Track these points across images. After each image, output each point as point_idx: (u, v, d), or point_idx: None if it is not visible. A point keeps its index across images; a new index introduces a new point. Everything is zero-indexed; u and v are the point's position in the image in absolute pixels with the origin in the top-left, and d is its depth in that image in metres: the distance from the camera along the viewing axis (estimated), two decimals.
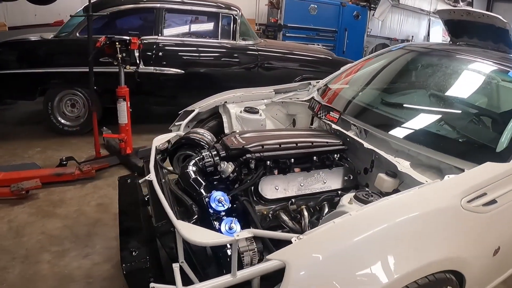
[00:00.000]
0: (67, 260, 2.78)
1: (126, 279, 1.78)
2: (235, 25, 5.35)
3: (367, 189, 2.12)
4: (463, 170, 1.99)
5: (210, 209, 1.97)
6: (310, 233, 1.57)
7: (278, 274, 1.45)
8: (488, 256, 1.90)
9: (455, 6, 13.37)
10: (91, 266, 2.74)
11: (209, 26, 5.48)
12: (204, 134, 2.69)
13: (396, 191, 2.09)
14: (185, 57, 5.16)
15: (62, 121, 4.99)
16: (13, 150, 4.55)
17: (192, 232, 1.63)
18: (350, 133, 2.60)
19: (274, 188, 2.22)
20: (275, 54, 5.69)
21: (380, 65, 3.54)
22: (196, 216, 1.94)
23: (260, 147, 2.28)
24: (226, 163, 2.21)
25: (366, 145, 2.34)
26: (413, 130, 2.45)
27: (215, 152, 2.30)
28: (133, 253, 1.84)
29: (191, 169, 2.20)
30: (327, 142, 2.48)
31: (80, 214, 3.35)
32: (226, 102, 3.26)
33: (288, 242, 1.54)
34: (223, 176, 2.19)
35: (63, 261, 2.77)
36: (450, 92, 2.87)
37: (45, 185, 3.65)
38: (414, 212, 1.66)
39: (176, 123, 3.08)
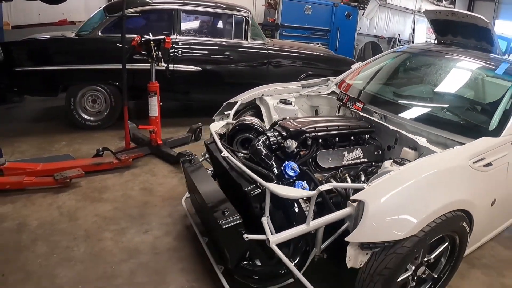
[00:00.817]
0: (128, 236, 3.07)
1: (223, 234, 2.15)
2: (246, 26, 5.72)
3: (401, 157, 2.57)
4: (457, 142, 2.64)
5: (285, 175, 2.38)
6: (375, 182, 2.13)
7: None
8: (487, 206, 2.52)
9: (439, 5, 14.13)
10: (153, 240, 3.05)
11: (223, 26, 5.84)
12: (254, 120, 3.07)
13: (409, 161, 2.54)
14: (202, 56, 5.48)
15: (84, 116, 5.22)
16: (39, 145, 4.75)
17: (280, 190, 2.15)
18: (374, 118, 3.12)
19: (328, 159, 2.70)
20: (283, 52, 6.10)
21: (388, 64, 4.09)
22: (275, 181, 2.33)
23: (313, 128, 2.75)
24: (291, 140, 2.60)
25: (391, 127, 2.90)
26: (424, 115, 3.07)
27: (277, 133, 2.69)
28: (225, 212, 2.20)
29: (261, 146, 2.58)
30: (359, 126, 3.01)
31: (127, 198, 3.64)
32: (263, 95, 3.64)
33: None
34: (288, 151, 2.60)
35: (125, 237, 3.06)
36: (449, 87, 3.50)
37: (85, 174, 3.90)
38: (437, 169, 2.27)
39: (225, 113, 3.42)
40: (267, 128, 3.17)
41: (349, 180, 2.65)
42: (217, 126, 3.08)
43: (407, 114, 3.12)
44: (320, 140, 2.74)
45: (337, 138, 2.81)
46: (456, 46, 3.98)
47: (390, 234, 1.98)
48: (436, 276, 2.47)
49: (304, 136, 2.67)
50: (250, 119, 3.11)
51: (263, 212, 2.22)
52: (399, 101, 3.37)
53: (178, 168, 4.28)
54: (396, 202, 2.06)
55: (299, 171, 2.39)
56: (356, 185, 2.21)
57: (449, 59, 3.65)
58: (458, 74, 3.54)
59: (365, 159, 2.86)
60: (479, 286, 2.91)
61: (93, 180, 3.94)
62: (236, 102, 3.51)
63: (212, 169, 3.20)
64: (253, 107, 3.68)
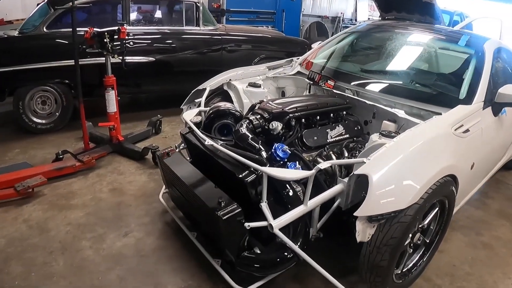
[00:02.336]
0: (108, 242, 2.89)
1: (223, 224, 2.06)
2: (198, 12, 5.54)
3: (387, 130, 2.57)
4: (439, 113, 2.68)
5: (277, 157, 2.31)
6: (374, 155, 2.12)
7: None
8: (468, 169, 2.65)
9: None
10: (135, 242, 2.89)
11: (174, 14, 5.62)
12: (228, 105, 2.99)
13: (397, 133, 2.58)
14: (154, 46, 5.24)
15: (35, 119, 4.85)
16: None
17: (278, 172, 2.10)
18: (348, 95, 3.15)
19: (313, 138, 2.67)
20: (236, 37, 5.98)
21: (349, 41, 4.14)
22: (268, 164, 2.26)
23: (295, 109, 2.70)
24: (276, 122, 2.53)
25: (368, 102, 2.94)
26: (395, 89, 3.11)
27: (259, 116, 2.61)
28: (222, 203, 2.11)
29: (245, 131, 2.49)
30: (337, 103, 3.00)
31: (98, 201, 3.43)
32: (230, 79, 3.54)
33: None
34: (274, 133, 2.54)
35: (105, 243, 2.87)
36: (415, 60, 3.60)
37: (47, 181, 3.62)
38: (426, 138, 2.33)
39: (196, 100, 3.29)
40: (245, 112, 3.10)
41: (334, 157, 2.64)
42: (191, 114, 2.94)
43: (379, 89, 3.17)
44: (303, 119, 2.70)
45: (318, 117, 2.80)
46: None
47: (396, 204, 2.01)
48: (428, 241, 2.53)
49: (287, 117, 2.62)
50: (223, 104, 3.01)
51: (259, 198, 2.15)
52: (368, 76, 3.41)
53: (144, 164, 4.11)
54: (397, 173, 2.08)
55: (289, 152, 2.33)
56: (356, 160, 2.19)
57: (411, 34, 3.74)
58: (421, 48, 3.64)
59: (347, 135, 2.87)
60: (463, 247, 3.02)
61: (58, 186, 3.67)
62: (205, 89, 3.39)
63: (190, 159, 3.06)
64: (220, 93, 3.58)
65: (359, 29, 4.19)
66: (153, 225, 3.08)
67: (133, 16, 5.16)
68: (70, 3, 3.81)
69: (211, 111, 2.88)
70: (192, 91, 3.41)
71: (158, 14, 5.64)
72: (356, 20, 13.59)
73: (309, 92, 3.59)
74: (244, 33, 6.24)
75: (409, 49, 3.61)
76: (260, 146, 2.41)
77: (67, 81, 4.74)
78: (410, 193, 2.03)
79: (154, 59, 5.20)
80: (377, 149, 2.20)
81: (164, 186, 3.28)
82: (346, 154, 2.70)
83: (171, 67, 5.42)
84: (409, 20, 4.00)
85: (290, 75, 3.82)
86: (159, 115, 4.97)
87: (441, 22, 3.94)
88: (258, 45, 6.22)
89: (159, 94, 5.77)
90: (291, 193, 2.23)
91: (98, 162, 4.07)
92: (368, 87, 3.21)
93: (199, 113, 3.03)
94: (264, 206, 2.10)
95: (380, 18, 4.39)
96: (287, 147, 2.33)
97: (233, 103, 3.41)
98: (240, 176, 2.21)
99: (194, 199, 2.34)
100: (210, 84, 3.45)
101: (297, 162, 2.36)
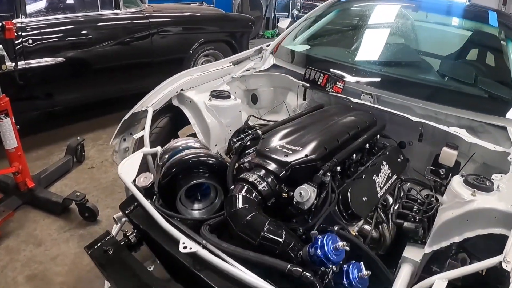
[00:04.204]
0: None
1: None
2: None
3: (466, 173, 1.60)
4: (494, 126, 2.02)
5: (325, 261, 1.26)
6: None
7: None
8: None
9: None
10: None
11: None
12: (193, 145, 1.86)
13: (457, 163, 1.91)
14: (62, 40, 3.85)
15: None
16: None
17: None
18: (365, 102, 2.24)
19: (363, 199, 1.62)
20: (167, 19, 4.71)
21: (337, 16, 3.17)
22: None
23: (324, 149, 1.64)
24: (306, 187, 1.47)
25: (413, 118, 2.02)
26: (430, 91, 2.27)
27: (263, 172, 1.52)
28: None
29: (250, 212, 1.39)
30: (365, 122, 2.01)
31: None
32: (182, 89, 2.39)
33: None
34: (305, 208, 1.45)
35: None
36: (439, 46, 2.82)
37: None
38: None
39: (134, 136, 2.11)
40: (212, 145, 2.18)
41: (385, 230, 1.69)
42: (131, 167, 1.78)
43: (407, 91, 2.25)
44: (339, 167, 1.65)
45: (354, 156, 1.80)
46: None
47: None
48: None
49: (321, 172, 1.52)
50: (184, 143, 1.86)
51: None
52: (388, 72, 2.43)
53: (69, 220, 2.90)
54: None
55: (347, 249, 1.28)
56: (489, 261, 1.20)
57: (422, 6, 2.84)
58: (445, 28, 2.83)
59: (394, 176, 1.88)
60: None
61: None
62: (145, 111, 2.23)
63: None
64: (165, 109, 2.43)
65: (343, 4, 3.17)
66: None
67: (31, 5, 3.70)
68: None
69: (171, 165, 1.70)
70: (126, 116, 2.24)
71: None
72: None
73: (304, 98, 2.55)
74: (177, 14, 4.97)
75: (428, 30, 2.81)
76: (294, 242, 1.35)
77: None
78: None
79: (63, 58, 3.82)
80: (477, 214, 1.34)
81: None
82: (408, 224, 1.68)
83: (88, 66, 4.06)
84: None
85: (263, 71, 2.76)
86: (78, 138, 3.64)
87: None
88: (195, 27, 5.02)
89: (80, 103, 4.39)
90: None
91: (3, 226, 2.77)
92: (391, 89, 2.28)
93: (140, 160, 1.88)
94: None
95: None
96: (337, 239, 1.28)
97: (195, 137, 2.30)
98: None
99: None
100: (152, 103, 2.28)
101: (362, 263, 1.32)
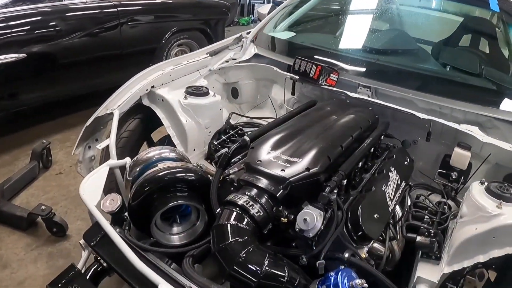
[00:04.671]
0: None
1: None
2: None
3: (487, 180, 1.39)
4: (503, 121, 1.84)
5: None
6: None
7: None
8: None
9: None
10: None
11: None
12: (172, 155, 1.61)
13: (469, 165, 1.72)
14: (23, 34, 3.47)
15: None
16: None
17: None
18: (363, 97, 2.00)
19: (374, 217, 1.37)
20: (138, 7, 4.36)
21: (322, 4, 2.98)
22: None
23: (327, 159, 1.39)
24: (312, 210, 1.22)
25: (421, 115, 1.79)
26: (436, 82, 2.05)
27: (254, 192, 1.27)
28: None
29: (244, 247, 1.13)
30: (368, 120, 1.77)
31: None
32: (153, 86, 2.12)
33: None
34: (310, 235, 1.20)
35: None
36: (438, 32, 2.61)
37: None
38: None
39: (98, 146, 1.82)
40: (189, 150, 1.98)
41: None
42: (95, 185, 1.51)
43: (408, 83, 2.03)
44: (345, 181, 1.40)
45: (360, 164, 1.56)
46: None
47: None
48: None
49: (327, 190, 1.25)
50: (158, 153, 1.60)
51: None
52: (386, 61, 2.19)
53: (37, 235, 2.61)
54: None
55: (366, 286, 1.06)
56: None
57: None
58: (438, 14, 2.70)
59: (403, 182, 1.64)
60: None
61: None
62: (111, 114, 1.96)
63: None
64: (135, 109, 2.15)
65: None
66: None
67: None
68: None
69: (143, 183, 1.41)
70: (88, 121, 1.96)
71: None
72: None
73: (293, 92, 2.29)
74: (147, 1, 4.57)
75: (421, 15, 2.63)
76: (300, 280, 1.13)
77: None
78: None
79: (25, 54, 3.47)
80: (506, 230, 1.16)
81: None
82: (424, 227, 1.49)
83: (52, 61, 3.71)
84: None
85: (244, 62, 2.50)
86: (44, 141, 3.30)
87: None
88: (167, 14, 4.68)
89: (45, 102, 4.04)
90: None
91: None
92: (390, 80, 2.05)
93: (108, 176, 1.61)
94: None
95: None
96: (353, 274, 1.07)
97: (170, 140, 2.05)
98: None
99: None
100: (119, 104, 2.01)
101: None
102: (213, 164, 1.88)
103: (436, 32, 2.68)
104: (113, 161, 1.67)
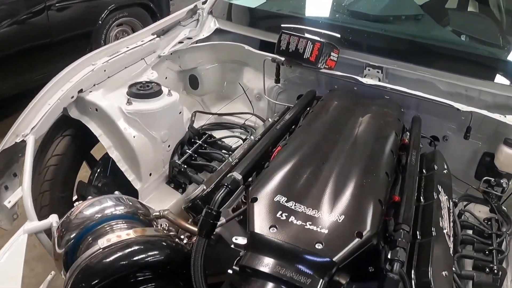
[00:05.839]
0: None
1: None
2: None
3: None
4: None
5: None
6: None
7: None
8: None
9: None
10: None
11: None
12: (119, 209, 1.08)
13: None
14: None
15: None
16: None
17: None
18: (373, 82, 1.54)
19: (443, 277, 0.93)
20: None
21: None
22: None
23: (379, 205, 0.93)
24: None
25: (460, 106, 1.41)
26: (459, 58, 1.68)
27: None
28: None
29: None
30: (399, 120, 1.37)
31: None
32: (81, 90, 1.50)
33: None
34: None
35: None
36: None
37: None
38: None
39: (7, 203, 1.28)
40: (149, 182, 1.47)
41: None
42: (10, 269, 1.01)
43: (425, 60, 1.63)
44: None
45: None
46: None
47: None
48: None
49: (397, 267, 0.82)
50: (98, 209, 1.06)
51: None
52: (392, 32, 1.76)
53: None
54: None
55: None
56: None
57: None
58: None
59: (451, 202, 1.21)
60: None
61: None
62: (23, 142, 1.38)
63: None
64: (62, 123, 1.57)
65: None
66: None
67: None
68: None
69: (84, 276, 0.87)
70: None
71: None
72: None
73: (277, 80, 1.72)
74: None
75: None
76: None
77: None
78: None
79: None
80: None
81: None
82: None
83: None
84: None
85: (203, 41, 1.94)
86: None
87: None
88: None
89: None
90: None
91: None
92: (401, 59, 1.63)
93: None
94: None
95: None
96: None
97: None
98: None
99: None
100: (32, 126, 1.40)
101: None
102: (187, 211, 1.27)
103: None
104: (32, 224, 1.12)
